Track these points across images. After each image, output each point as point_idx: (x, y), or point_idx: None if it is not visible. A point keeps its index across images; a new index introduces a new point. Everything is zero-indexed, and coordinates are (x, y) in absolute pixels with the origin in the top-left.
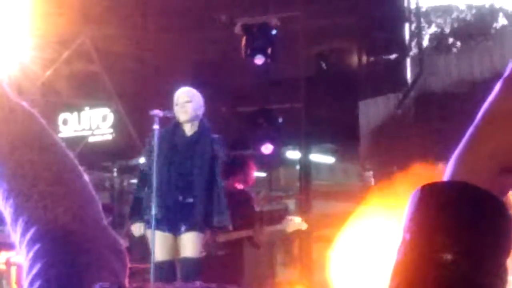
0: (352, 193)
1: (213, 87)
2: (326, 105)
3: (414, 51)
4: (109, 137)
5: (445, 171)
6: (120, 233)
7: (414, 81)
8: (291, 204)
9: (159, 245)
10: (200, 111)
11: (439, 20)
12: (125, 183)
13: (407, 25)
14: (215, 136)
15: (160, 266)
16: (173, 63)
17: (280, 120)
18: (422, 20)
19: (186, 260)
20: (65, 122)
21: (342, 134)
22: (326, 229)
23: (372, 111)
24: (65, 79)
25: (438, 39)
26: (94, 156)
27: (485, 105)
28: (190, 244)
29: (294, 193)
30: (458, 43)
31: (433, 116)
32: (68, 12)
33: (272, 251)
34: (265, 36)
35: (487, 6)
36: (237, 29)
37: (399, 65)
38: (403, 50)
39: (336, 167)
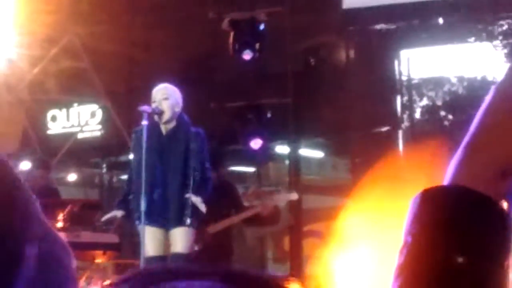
0: (341, 187)
1: (202, 82)
2: (314, 99)
3: (406, 123)
4: (98, 133)
5: (445, 176)
6: (110, 229)
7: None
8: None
9: (150, 240)
10: (178, 108)
11: (431, 93)
12: (114, 179)
13: (399, 98)
14: (194, 130)
15: (151, 261)
16: (161, 59)
17: (269, 115)
18: (413, 92)
19: (177, 256)
20: (53, 118)
21: (331, 128)
22: (317, 224)
23: None
24: (53, 76)
25: (430, 112)
26: (83, 152)
27: (480, 111)
28: (180, 239)
29: (284, 188)
30: (450, 116)
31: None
32: (55, 9)
33: (262, 246)
34: (253, 31)
35: (479, 78)
36: (225, 24)
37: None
38: (395, 122)
39: (325, 161)
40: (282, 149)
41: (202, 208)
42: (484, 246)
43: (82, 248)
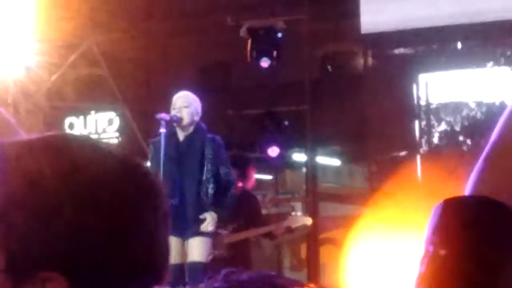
0: (358, 195)
1: (219, 90)
2: (332, 107)
3: (424, 148)
4: (115, 141)
5: (466, 186)
6: None
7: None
8: (297, 206)
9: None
10: (197, 116)
11: (449, 118)
12: None
13: (417, 122)
14: (209, 136)
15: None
16: (179, 67)
17: (286, 123)
18: (432, 117)
19: (193, 264)
20: (71, 126)
21: (348, 136)
22: (333, 232)
23: None
24: (71, 83)
25: (448, 137)
26: None
27: (500, 123)
28: (196, 248)
29: (301, 196)
30: (469, 141)
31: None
32: (73, 17)
33: (279, 255)
34: (270, 39)
35: (497, 103)
36: (243, 32)
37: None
38: (414, 147)
39: (342, 169)
40: (299, 157)
41: (209, 227)
42: (506, 258)
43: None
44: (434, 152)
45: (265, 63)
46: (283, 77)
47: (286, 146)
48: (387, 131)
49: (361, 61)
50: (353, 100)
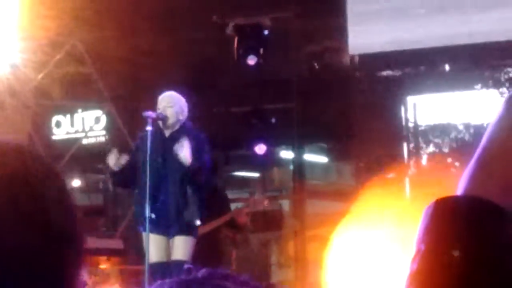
0: (346, 192)
1: (206, 88)
2: (319, 104)
3: (412, 170)
4: (102, 139)
5: (458, 186)
6: (114, 235)
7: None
8: (285, 204)
9: (154, 247)
10: (183, 116)
11: (437, 140)
12: None
13: (405, 144)
14: (195, 133)
15: (155, 267)
16: (165, 64)
17: (273, 120)
18: (420, 139)
19: (177, 263)
20: (58, 124)
21: (335, 133)
22: (321, 229)
23: None
24: (57, 81)
25: (437, 159)
26: (88, 158)
27: (491, 124)
28: (179, 247)
29: (288, 193)
30: (457, 163)
31: None
32: (59, 15)
33: (266, 252)
34: (257, 36)
35: (485, 125)
36: (229, 29)
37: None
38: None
39: (329, 166)
40: (286, 154)
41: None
42: (498, 255)
43: (86, 253)
44: (422, 175)
45: (251, 60)
46: (270, 75)
47: (273, 144)
48: (375, 153)
49: (347, 58)
50: (340, 97)
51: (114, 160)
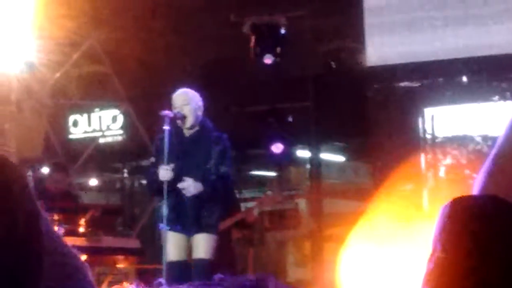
0: (362, 191)
1: (222, 87)
2: (335, 103)
3: (430, 182)
4: (119, 138)
5: (474, 186)
6: (131, 234)
7: None
8: (301, 203)
9: (172, 245)
10: (200, 111)
11: (455, 152)
12: (135, 184)
13: (423, 156)
14: (216, 134)
15: (173, 265)
16: (182, 63)
17: (290, 119)
18: (437, 151)
19: (199, 261)
20: (75, 123)
21: (352, 132)
22: (337, 228)
23: None
24: (74, 81)
25: (454, 171)
26: (105, 157)
27: (507, 124)
28: (201, 245)
29: (305, 192)
30: (475, 175)
31: None
32: (77, 14)
33: (283, 251)
34: (274, 35)
35: None
36: (246, 28)
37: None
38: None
39: (346, 165)
40: (303, 153)
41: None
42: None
43: (104, 253)
44: (440, 186)
45: (268, 59)
46: (287, 74)
47: (290, 143)
48: (392, 163)
49: (364, 57)
50: (357, 95)
51: (170, 174)
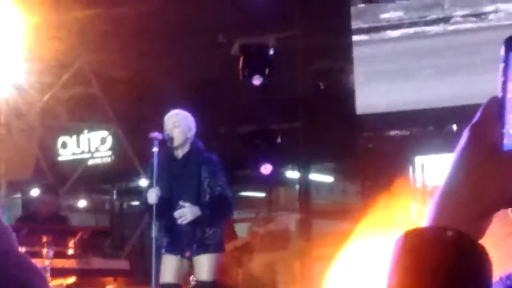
0: (351, 212)
1: (212, 108)
2: (324, 124)
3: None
4: (108, 159)
5: (426, 216)
6: (120, 255)
7: None
8: (291, 223)
9: (167, 267)
10: (191, 133)
11: None
12: (124, 206)
13: (413, 204)
14: (206, 155)
15: (165, 287)
16: (172, 85)
17: (279, 140)
18: (427, 199)
19: (201, 284)
20: (64, 145)
21: (341, 153)
22: (327, 248)
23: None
24: (63, 102)
25: None
26: (94, 179)
27: (456, 153)
28: (202, 266)
29: (294, 213)
30: None
31: None
32: (65, 36)
33: (272, 271)
34: (262, 56)
35: None
36: (235, 49)
37: None
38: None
39: (335, 186)
40: (292, 174)
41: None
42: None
43: (93, 274)
44: None
45: (257, 80)
46: (275, 94)
47: (279, 164)
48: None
49: (352, 78)
50: (346, 116)
51: (156, 198)
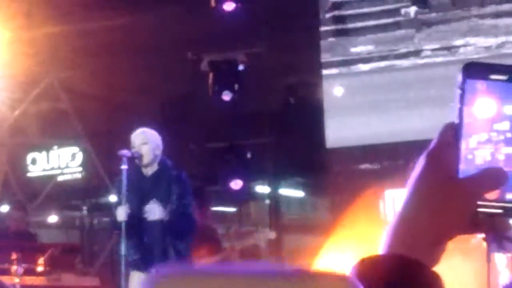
0: (321, 226)
1: (182, 124)
2: (294, 139)
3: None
4: (79, 175)
5: (381, 244)
6: (90, 272)
7: None
8: (261, 239)
9: (133, 284)
10: (159, 151)
11: None
12: (95, 221)
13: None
14: (175, 173)
15: None
16: (141, 101)
17: (249, 155)
18: None
19: None
20: (33, 161)
21: (310, 168)
22: (297, 263)
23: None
24: (33, 118)
25: None
26: (64, 195)
27: (412, 180)
28: None
29: (264, 228)
30: None
31: None
32: (36, 52)
33: None
34: (232, 72)
35: None
36: (204, 65)
37: None
38: None
39: (305, 201)
40: (262, 188)
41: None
42: None
43: None
44: None
45: (227, 96)
46: (245, 110)
47: (249, 179)
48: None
49: (321, 92)
50: (315, 131)
51: (125, 216)
